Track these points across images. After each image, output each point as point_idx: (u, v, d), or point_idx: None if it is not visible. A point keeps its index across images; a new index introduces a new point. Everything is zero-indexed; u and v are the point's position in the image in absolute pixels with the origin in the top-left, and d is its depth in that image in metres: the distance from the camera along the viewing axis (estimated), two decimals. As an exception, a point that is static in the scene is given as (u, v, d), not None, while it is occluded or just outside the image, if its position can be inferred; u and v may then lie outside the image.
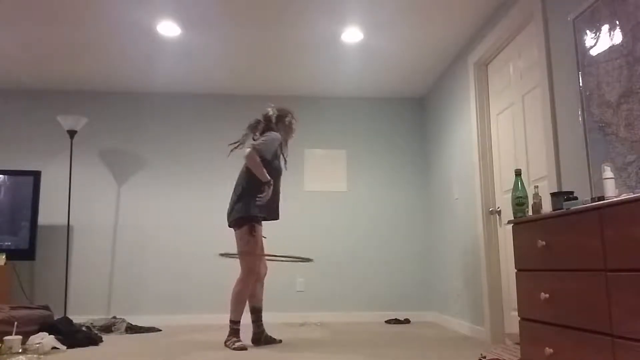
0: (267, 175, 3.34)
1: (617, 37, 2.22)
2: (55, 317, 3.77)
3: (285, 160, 3.64)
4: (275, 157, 3.49)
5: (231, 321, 3.34)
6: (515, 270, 2.30)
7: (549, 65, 2.78)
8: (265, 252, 3.59)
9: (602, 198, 1.76)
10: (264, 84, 4.96)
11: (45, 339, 3.18)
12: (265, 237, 3.59)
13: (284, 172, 3.60)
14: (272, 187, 3.36)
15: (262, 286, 3.57)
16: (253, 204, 3.33)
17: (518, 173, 2.41)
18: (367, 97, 5.33)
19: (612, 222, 1.63)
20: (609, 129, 2.26)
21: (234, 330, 3.33)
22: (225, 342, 3.34)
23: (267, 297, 4.83)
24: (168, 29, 3.78)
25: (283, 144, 3.61)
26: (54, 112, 5.02)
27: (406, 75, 4.75)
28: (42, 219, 4.80)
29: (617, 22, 2.22)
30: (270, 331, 4.11)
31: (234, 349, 3.24)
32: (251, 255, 3.32)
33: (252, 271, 3.34)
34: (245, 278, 3.33)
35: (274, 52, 4.22)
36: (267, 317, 4.81)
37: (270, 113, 3.56)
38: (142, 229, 4.96)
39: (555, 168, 2.68)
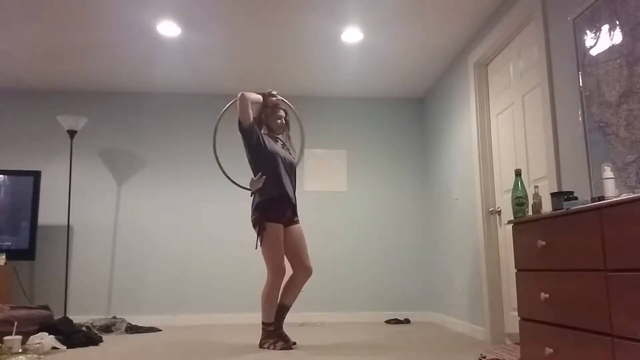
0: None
1: (617, 37, 2.22)
2: (55, 317, 3.77)
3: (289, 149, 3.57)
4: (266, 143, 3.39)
5: (264, 323, 3.27)
6: (515, 270, 2.30)
7: (549, 65, 2.78)
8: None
9: (602, 198, 1.76)
10: (264, 83, 4.95)
11: (45, 339, 3.18)
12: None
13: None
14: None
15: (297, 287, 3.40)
16: None
17: (518, 173, 2.41)
18: (367, 97, 5.33)
19: (612, 222, 1.63)
20: (609, 129, 2.26)
21: (269, 332, 3.26)
22: (261, 345, 3.26)
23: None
24: (168, 29, 3.78)
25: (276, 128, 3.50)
26: (54, 112, 5.02)
27: (406, 75, 4.75)
28: (42, 219, 4.80)
29: (617, 22, 2.22)
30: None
31: (281, 349, 3.19)
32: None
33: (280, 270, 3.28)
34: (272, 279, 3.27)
35: (274, 52, 4.21)
36: (267, 317, 4.80)
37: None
38: (142, 229, 4.96)
39: (555, 168, 2.68)
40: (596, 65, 2.36)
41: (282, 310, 3.34)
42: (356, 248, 5.08)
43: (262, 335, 3.29)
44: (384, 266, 5.07)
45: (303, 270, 3.40)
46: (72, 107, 5.08)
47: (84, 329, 3.82)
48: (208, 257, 4.94)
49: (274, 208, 3.30)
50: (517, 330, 2.31)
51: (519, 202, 2.33)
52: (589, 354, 1.73)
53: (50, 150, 5.00)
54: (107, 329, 4.16)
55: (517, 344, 2.62)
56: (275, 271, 3.24)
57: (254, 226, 3.29)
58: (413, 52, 4.24)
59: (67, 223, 4.78)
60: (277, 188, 3.31)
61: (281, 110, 3.51)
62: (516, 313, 2.32)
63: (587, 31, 2.42)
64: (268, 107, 3.48)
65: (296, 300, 3.46)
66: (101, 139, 5.07)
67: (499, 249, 3.59)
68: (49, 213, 4.87)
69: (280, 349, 3.20)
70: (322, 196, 5.14)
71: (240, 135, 3.36)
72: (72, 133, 4.67)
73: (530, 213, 2.34)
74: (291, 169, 3.46)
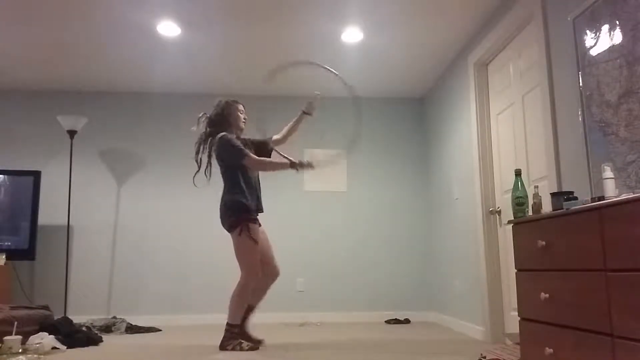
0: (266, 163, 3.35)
1: (617, 37, 2.22)
2: (55, 317, 3.77)
3: None
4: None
5: (230, 324, 3.20)
6: (515, 270, 2.30)
7: (549, 65, 2.78)
8: (270, 247, 3.47)
9: (602, 198, 1.76)
10: (263, 83, 4.95)
11: (45, 339, 3.18)
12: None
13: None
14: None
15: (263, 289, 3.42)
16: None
17: (518, 173, 2.41)
18: (367, 97, 5.33)
19: (612, 222, 1.63)
20: (609, 129, 2.26)
21: (233, 334, 3.19)
22: (223, 347, 3.17)
23: (267, 297, 4.83)
24: (168, 29, 3.78)
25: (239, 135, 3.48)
26: (54, 112, 5.02)
27: (406, 75, 4.75)
28: (42, 219, 4.80)
29: (617, 22, 2.22)
30: (270, 331, 4.11)
31: (249, 349, 3.14)
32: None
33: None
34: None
35: (274, 51, 4.21)
36: (267, 317, 4.80)
37: (204, 118, 3.50)
38: (142, 228, 4.96)
39: (555, 168, 2.69)
40: (596, 65, 2.36)
41: (249, 310, 3.36)
42: (356, 248, 5.08)
43: (225, 336, 3.19)
44: (384, 266, 5.07)
45: (274, 273, 3.45)
46: (72, 107, 5.08)
47: (84, 329, 3.81)
48: (208, 257, 4.94)
49: (250, 209, 3.27)
50: (517, 330, 2.31)
51: (519, 202, 2.33)
52: (589, 354, 1.73)
53: (50, 150, 5.00)
54: (107, 329, 4.16)
55: (517, 344, 2.62)
56: (251, 273, 3.21)
57: (232, 226, 3.21)
58: (413, 52, 4.24)
59: (67, 223, 4.78)
60: (250, 194, 3.31)
61: (241, 106, 3.52)
62: (516, 313, 2.32)
63: (587, 31, 2.42)
64: (231, 107, 3.46)
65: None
66: (101, 139, 5.07)
67: (499, 249, 3.59)
68: (49, 213, 4.87)
69: (248, 350, 3.14)
70: (322, 196, 5.14)
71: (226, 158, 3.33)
72: (72, 133, 4.67)
73: (530, 213, 2.33)
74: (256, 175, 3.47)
